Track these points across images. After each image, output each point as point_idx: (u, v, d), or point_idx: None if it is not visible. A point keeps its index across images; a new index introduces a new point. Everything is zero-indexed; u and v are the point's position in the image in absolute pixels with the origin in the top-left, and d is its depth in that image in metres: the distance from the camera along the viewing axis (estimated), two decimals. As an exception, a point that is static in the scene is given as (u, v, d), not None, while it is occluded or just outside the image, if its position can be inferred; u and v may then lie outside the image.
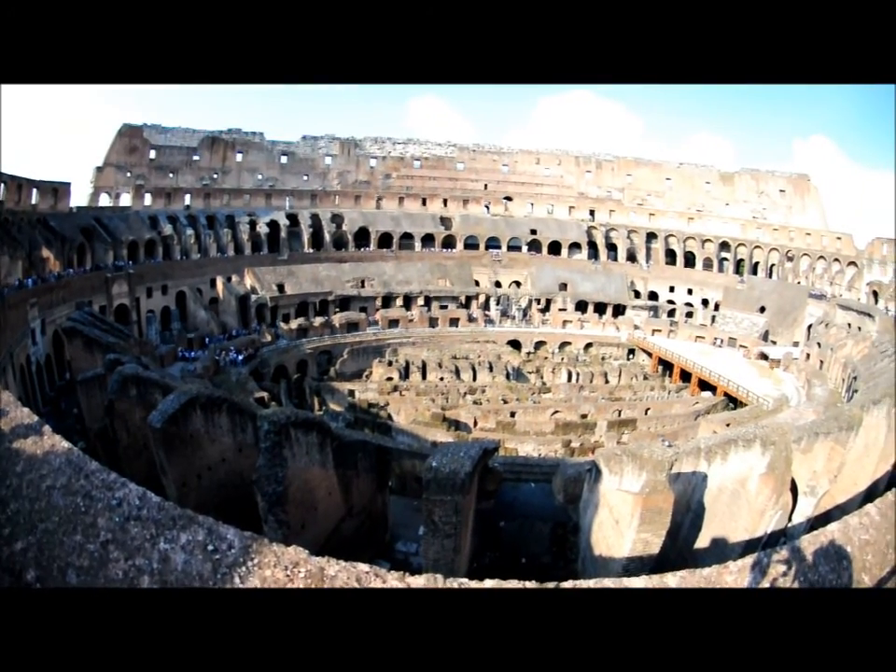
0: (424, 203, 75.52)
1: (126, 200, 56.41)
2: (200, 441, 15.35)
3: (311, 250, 65.16)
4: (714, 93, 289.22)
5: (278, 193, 67.08)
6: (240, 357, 45.38)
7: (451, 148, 77.98)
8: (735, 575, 4.11)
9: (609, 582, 4.17)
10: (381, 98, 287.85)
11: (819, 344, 51.79)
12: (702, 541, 14.94)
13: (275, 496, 13.04)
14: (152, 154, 59.55)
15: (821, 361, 49.36)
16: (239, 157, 65.79)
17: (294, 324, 54.11)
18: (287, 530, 13.03)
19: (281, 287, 58.18)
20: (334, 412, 39.94)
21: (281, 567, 3.41)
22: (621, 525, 13.98)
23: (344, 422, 36.42)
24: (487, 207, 77.53)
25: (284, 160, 68.89)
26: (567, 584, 4.03)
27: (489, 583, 3.80)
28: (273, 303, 55.79)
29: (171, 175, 60.58)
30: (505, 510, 20.90)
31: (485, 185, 78.22)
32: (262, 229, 62.38)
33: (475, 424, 38.52)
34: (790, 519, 15.50)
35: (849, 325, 53.27)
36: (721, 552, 13.67)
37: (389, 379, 47.75)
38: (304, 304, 58.23)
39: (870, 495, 15.48)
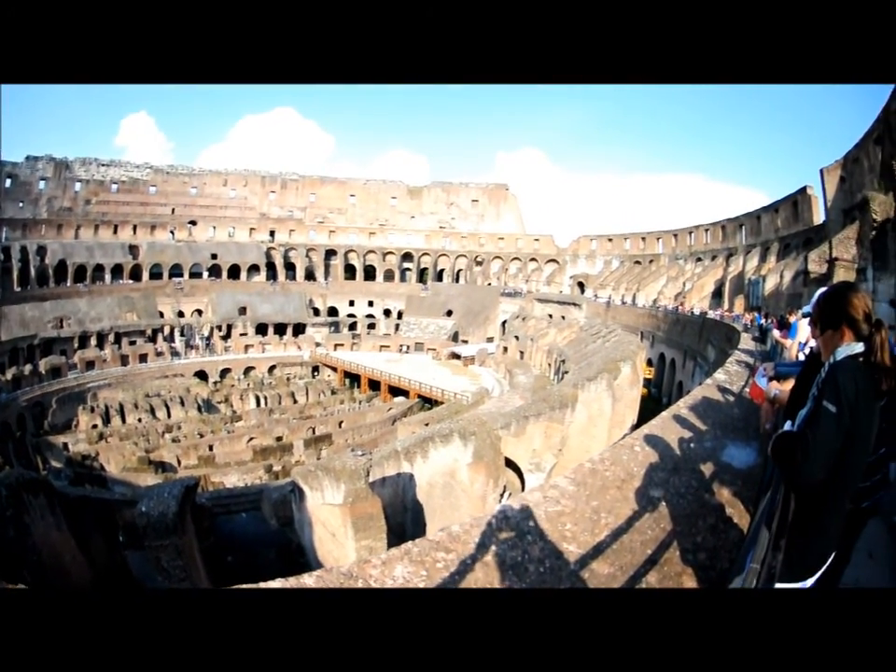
0: (115, 230, 70.38)
1: None
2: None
3: (20, 288, 58.08)
4: (409, 111, 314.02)
5: (-3, 223, 58.82)
6: (-32, 420, 38.42)
7: (147, 171, 74.06)
8: (379, 568, 3.76)
9: (246, 587, 3.63)
10: (96, 115, 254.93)
11: (517, 337, 55.07)
12: (431, 535, 20.03)
13: (34, 567, 12.19)
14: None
15: (521, 352, 52.74)
16: (-26, 181, 58.76)
17: (9, 374, 49.66)
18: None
19: (-5, 334, 53.93)
20: (56, 469, 36.57)
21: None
22: (338, 536, 14.10)
23: (67, 479, 34.59)
24: (172, 233, 74.18)
25: (8, 183, 62.47)
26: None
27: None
28: (-12, 353, 51.32)
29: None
30: (227, 544, 20.46)
31: (173, 209, 74.72)
32: (-22, 267, 56.43)
33: (179, 463, 37.76)
34: (521, 496, 19.48)
35: (550, 316, 58.73)
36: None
37: (94, 427, 44.84)
38: (16, 351, 52.42)
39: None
